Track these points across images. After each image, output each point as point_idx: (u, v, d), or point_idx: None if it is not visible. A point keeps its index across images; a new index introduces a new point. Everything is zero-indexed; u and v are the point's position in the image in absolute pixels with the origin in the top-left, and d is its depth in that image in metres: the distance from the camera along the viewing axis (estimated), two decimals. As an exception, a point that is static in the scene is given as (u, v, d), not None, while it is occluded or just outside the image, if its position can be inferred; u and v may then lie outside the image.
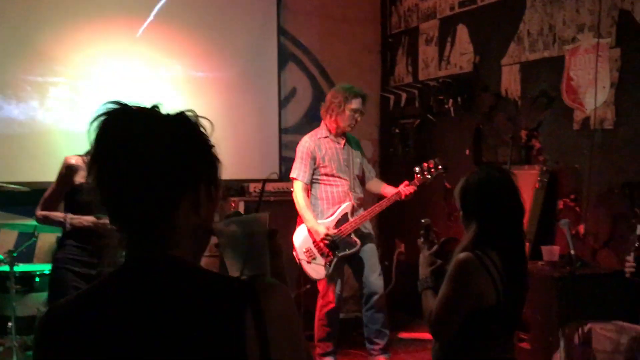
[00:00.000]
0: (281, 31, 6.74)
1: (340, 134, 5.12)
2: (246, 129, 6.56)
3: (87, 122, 1.25)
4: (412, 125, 6.54)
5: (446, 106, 5.98)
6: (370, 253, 5.12)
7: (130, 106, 1.28)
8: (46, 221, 3.91)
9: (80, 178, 3.83)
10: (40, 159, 5.70)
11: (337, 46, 7.03)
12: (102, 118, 1.25)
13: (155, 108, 1.30)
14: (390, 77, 7.04)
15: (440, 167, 4.96)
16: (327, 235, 4.90)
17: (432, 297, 2.74)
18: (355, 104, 5.01)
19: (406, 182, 4.99)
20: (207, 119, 1.34)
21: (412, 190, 4.95)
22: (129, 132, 1.24)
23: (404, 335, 5.89)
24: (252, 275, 1.35)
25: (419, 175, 4.97)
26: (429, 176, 4.96)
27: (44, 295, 4.83)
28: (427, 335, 6.02)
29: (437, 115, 6.20)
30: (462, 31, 5.97)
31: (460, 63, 5.98)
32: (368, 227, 5.18)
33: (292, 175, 5.13)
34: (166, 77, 6.23)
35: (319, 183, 5.11)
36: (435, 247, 2.89)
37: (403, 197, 4.96)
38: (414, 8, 6.65)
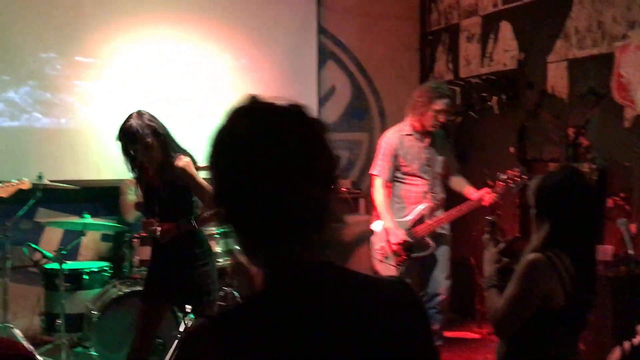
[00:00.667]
0: (320, 29, 6.73)
1: (424, 132, 4.89)
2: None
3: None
4: (454, 123, 6.50)
5: (489, 103, 5.93)
6: (443, 254, 5.00)
7: (258, 103, 1.25)
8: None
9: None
10: (88, 156, 5.76)
11: (376, 44, 7.00)
12: (238, 119, 1.22)
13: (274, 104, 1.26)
14: (430, 74, 7.00)
15: (525, 176, 4.68)
16: (403, 240, 4.80)
17: (497, 296, 2.70)
18: (439, 105, 4.75)
19: (487, 190, 4.79)
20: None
21: (495, 199, 4.75)
22: (275, 131, 1.20)
23: (448, 334, 5.85)
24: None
25: (502, 183, 4.71)
26: (513, 185, 4.70)
27: (92, 293, 4.88)
28: (471, 335, 6.03)
29: (479, 112, 6.15)
30: (505, 28, 5.91)
31: (503, 60, 5.92)
32: (445, 228, 5.02)
33: (373, 171, 5.02)
34: (206, 70, 6.23)
35: (399, 181, 4.96)
36: (501, 245, 2.85)
37: (487, 204, 4.77)
38: (454, 5, 6.60)
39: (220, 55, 6.29)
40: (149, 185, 3.92)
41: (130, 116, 3.75)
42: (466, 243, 5.89)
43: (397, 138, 4.91)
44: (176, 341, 3.97)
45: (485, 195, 4.77)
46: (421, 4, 7.12)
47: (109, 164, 5.52)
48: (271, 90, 6.01)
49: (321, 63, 6.76)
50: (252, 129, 1.21)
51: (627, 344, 2.89)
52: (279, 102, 1.25)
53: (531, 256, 2.56)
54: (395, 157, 4.89)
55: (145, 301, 4.03)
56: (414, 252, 4.83)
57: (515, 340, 2.67)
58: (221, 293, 5.39)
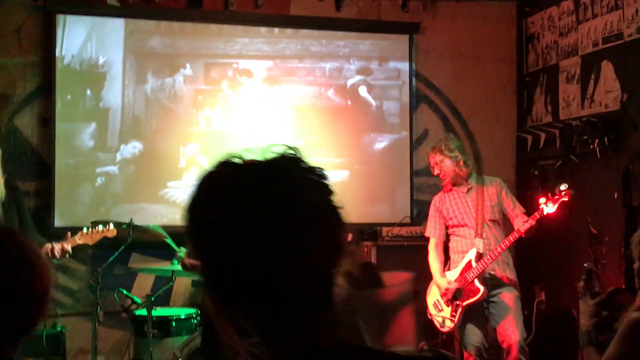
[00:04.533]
0: (412, 72, 6.63)
1: (460, 182, 5.04)
2: (378, 170, 6.47)
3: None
4: (553, 167, 6.21)
5: (591, 146, 5.64)
6: (503, 300, 4.87)
7: (249, 163, 1.11)
8: (193, 269, 3.97)
9: None
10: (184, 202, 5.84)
11: (470, 86, 6.83)
12: (221, 179, 1.10)
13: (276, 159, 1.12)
14: (528, 116, 6.75)
15: (563, 191, 4.69)
16: (446, 289, 4.85)
17: (596, 355, 2.46)
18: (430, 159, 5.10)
19: (525, 218, 4.77)
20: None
21: (529, 226, 4.68)
22: (276, 193, 1.07)
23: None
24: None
25: (541, 207, 4.70)
26: (551, 210, 4.66)
27: (180, 340, 4.86)
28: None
29: (580, 156, 5.86)
30: (607, 68, 5.63)
31: (605, 101, 5.63)
32: (501, 273, 4.91)
33: (425, 233, 5.21)
34: (303, 105, 6.32)
35: (452, 235, 5.08)
36: (601, 297, 2.61)
37: (523, 234, 4.72)
38: (552, 45, 6.36)
39: (316, 87, 6.31)
40: None
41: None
42: (566, 293, 5.57)
43: (439, 197, 5.16)
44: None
45: (521, 226, 4.71)
46: (518, 45, 6.91)
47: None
48: (364, 131, 6.02)
49: (414, 106, 6.64)
50: (235, 194, 1.07)
51: None
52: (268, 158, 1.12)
53: (635, 315, 2.33)
54: (440, 213, 5.07)
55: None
56: (463, 299, 4.81)
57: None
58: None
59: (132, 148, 5.92)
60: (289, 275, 1.03)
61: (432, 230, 5.11)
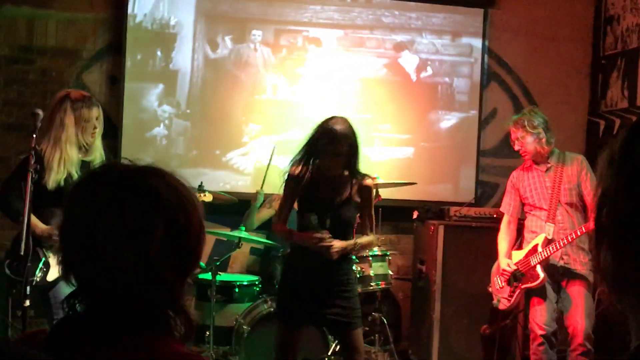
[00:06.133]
0: (485, 49, 6.45)
1: (540, 160, 4.78)
2: (444, 149, 6.34)
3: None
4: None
5: (671, 135, 5.42)
6: (573, 288, 4.69)
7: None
8: (276, 233, 3.98)
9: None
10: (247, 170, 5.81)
11: (543, 66, 6.63)
12: None
13: None
14: (602, 101, 6.54)
15: None
16: (504, 270, 4.77)
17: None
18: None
19: None
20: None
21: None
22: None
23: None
24: None
25: None
26: None
27: (242, 307, 4.83)
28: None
29: (658, 144, 5.64)
30: (694, 53, 5.41)
31: (690, 88, 5.42)
32: (575, 257, 4.70)
33: (500, 208, 5.04)
34: (370, 79, 6.22)
35: (527, 213, 4.89)
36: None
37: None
38: (634, 28, 6.12)
39: (384, 65, 6.19)
40: (319, 198, 3.79)
41: (334, 118, 3.75)
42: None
43: (517, 173, 4.92)
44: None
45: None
46: (595, 26, 6.67)
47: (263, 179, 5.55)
48: (435, 107, 5.90)
49: (484, 84, 6.47)
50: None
51: None
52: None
53: None
54: (517, 191, 4.88)
55: (287, 322, 3.87)
56: (522, 282, 4.71)
57: None
58: (369, 318, 5.23)
59: (198, 112, 5.86)
60: None
61: (507, 207, 4.93)
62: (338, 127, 3.68)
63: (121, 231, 1.26)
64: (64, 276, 1.34)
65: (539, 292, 4.71)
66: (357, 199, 3.81)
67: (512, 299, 4.77)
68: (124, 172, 1.33)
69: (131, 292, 1.27)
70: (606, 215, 1.03)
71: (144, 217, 1.27)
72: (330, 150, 3.67)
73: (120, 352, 1.24)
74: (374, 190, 4.76)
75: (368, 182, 3.82)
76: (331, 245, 3.67)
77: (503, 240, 4.90)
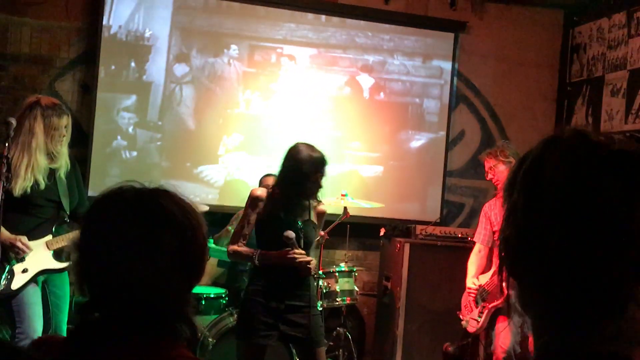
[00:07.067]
0: (455, 71, 6.59)
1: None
2: (412, 168, 6.44)
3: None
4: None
5: (633, 162, 5.59)
6: None
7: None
8: (236, 256, 3.89)
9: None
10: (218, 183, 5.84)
11: (511, 90, 6.78)
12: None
13: None
14: (567, 126, 6.67)
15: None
16: (469, 288, 4.90)
17: None
18: None
19: None
20: None
21: None
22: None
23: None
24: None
25: None
26: None
27: (208, 319, 4.84)
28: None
29: (620, 171, 5.80)
30: (656, 84, 5.58)
31: (651, 117, 5.58)
32: None
33: (474, 237, 5.16)
34: (341, 97, 6.29)
35: (497, 240, 4.95)
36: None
37: None
38: (599, 57, 6.30)
39: (356, 82, 6.28)
40: (283, 219, 3.84)
41: (310, 146, 3.87)
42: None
43: (488, 203, 5.08)
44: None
45: None
46: (562, 54, 6.85)
47: (234, 192, 5.58)
48: (402, 127, 5.99)
49: (453, 106, 6.60)
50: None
51: None
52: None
53: None
54: (489, 220, 5.00)
55: (250, 338, 3.80)
56: (487, 300, 4.84)
57: None
58: (334, 333, 5.28)
59: (170, 124, 5.89)
60: None
61: (478, 236, 5.08)
62: (318, 154, 3.85)
63: (134, 245, 1.40)
64: (78, 287, 1.47)
65: (505, 313, 4.81)
66: (315, 221, 3.97)
67: (481, 320, 4.84)
68: (137, 193, 1.47)
69: (142, 300, 1.40)
70: (508, 232, 1.05)
71: (155, 232, 1.42)
72: (320, 176, 3.84)
73: (133, 356, 1.37)
74: (344, 207, 4.92)
75: (323, 207, 4.04)
76: (310, 261, 3.76)
77: (472, 265, 5.03)
